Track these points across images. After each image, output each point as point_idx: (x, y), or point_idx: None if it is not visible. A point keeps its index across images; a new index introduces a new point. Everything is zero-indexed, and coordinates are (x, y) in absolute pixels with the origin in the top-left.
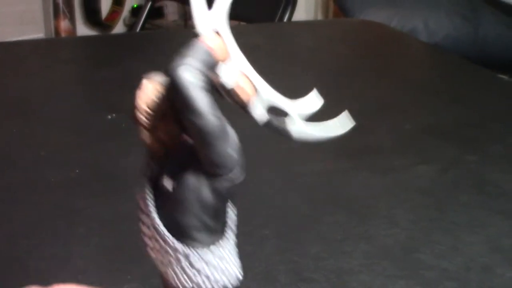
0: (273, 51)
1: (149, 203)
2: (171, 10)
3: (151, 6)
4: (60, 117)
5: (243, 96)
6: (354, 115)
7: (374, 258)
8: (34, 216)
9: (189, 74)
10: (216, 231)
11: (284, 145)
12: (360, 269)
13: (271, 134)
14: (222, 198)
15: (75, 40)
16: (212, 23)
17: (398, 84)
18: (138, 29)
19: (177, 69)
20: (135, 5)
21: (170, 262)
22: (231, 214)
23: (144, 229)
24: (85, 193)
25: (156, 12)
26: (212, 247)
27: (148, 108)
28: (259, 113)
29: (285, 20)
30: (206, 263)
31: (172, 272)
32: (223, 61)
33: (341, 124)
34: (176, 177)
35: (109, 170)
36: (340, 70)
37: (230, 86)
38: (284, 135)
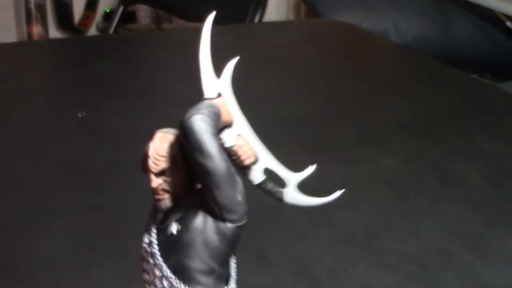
0: (243, 52)
1: (154, 248)
2: (143, 14)
3: (124, 10)
4: (31, 116)
5: (242, 157)
6: (319, 111)
7: (336, 244)
8: (7, 211)
9: (202, 120)
10: (222, 277)
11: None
12: (323, 253)
13: None
14: (228, 243)
15: (47, 43)
16: (219, 89)
17: (365, 81)
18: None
19: (191, 116)
20: (107, 10)
21: None
22: (232, 263)
23: (145, 276)
24: (56, 188)
25: (129, 17)
26: None
27: (159, 156)
28: (255, 175)
29: (256, 21)
30: None
31: None
32: (227, 123)
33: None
34: (182, 221)
35: (79, 166)
36: (309, 69)
37: (229, 145)
38: (275, 197)
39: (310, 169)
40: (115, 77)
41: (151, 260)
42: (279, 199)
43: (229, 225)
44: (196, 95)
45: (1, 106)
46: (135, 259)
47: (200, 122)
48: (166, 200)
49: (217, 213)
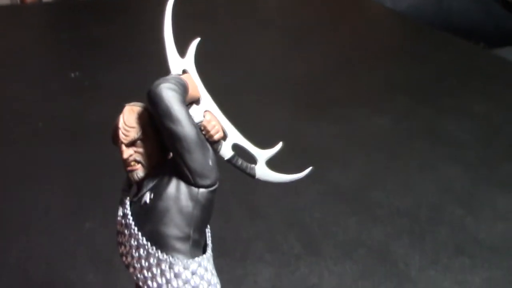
0: (237, 16)
1: (129, 219)
2: None
3: None
4: (25, 76)
5: (211, 131)
6: (313, 73)
7: (327, 197)
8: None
9: (169, 88)
10: (199, 244)
11: (240, 98)
12: (313, 206)
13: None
14: (202, 208)
15: (40, 6)
16: (184, 67)
17: (358, 45)
18: None
19: (159, 84)
20: None
21: (153, 274)
22: (207, 232)
23: (121, 248)
24: (49, 143)
25: None
26: (197, 258)
27: (129, 127)
28: (225, 151)
29: None
30: (192, 273)
31: (155, 284)
32: (194, 99)
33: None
34: (155, 190)
35: (72, 123)
36: (303, 32)
37: (197, 121)
38: (246, 173)
39: (278, 146)
40: (107, 39)
41: (126, 231)
42: (251, 175)
43: (201, 190)
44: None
45: None
46: None
47: (167, 90)
48: (138, 171)
49: (189, 178)
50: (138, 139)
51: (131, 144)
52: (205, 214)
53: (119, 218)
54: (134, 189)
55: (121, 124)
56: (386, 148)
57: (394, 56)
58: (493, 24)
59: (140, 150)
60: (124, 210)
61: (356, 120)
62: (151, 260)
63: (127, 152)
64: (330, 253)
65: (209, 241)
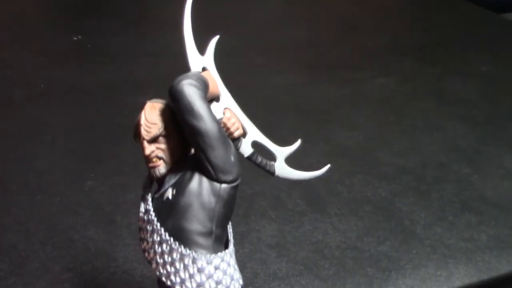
0: None
1: (151, 215)
2: None
3: None
4: (27, 38)
5: (231, 129)
6: (318, 35)
7: (332, 157)
8: (2, 127)
9: (191, 84)
10: (221, 239)
11: (245, 61)
12: (319, 166)
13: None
14: (224, 204)
15: None
16: (203, 64)
17: (364, 7)
18: None
19: (181, 81)
20: None
21: (176, 269)
22: (229, 227)
23: (143, 244)
24: (50, 105)
25: None
26: (220, 253)
27: (151, 123)
28: (244, 148)
29: None
30: (215, 267)
31: (179, 279)
32: (214, 96)
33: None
34: (177, 186)
35: (74, 85)
36: None
37: (217, 118)
38: (265, 170)
39: (297, 143)
40: (111, 3)
41: (148, 227)
42: (271, 172)
43: (224, 185)
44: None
45: None
46: (128, 170)
47: (189, 86)
48: (160, 167)
49: (212, 174)
50: (160, 135)
51: (153, 140)
52: (227, 209)
53: (141, 214)
54: (155, 185)
55: (143, 120)
56: (392, 109)
57: (398, 19)
58: None
59: (162, 146)
60: (146, 206)
61: (361, 82)
62: (174, 255)
63: (149, 149)
64: (334, 210)
65: (231, 236)
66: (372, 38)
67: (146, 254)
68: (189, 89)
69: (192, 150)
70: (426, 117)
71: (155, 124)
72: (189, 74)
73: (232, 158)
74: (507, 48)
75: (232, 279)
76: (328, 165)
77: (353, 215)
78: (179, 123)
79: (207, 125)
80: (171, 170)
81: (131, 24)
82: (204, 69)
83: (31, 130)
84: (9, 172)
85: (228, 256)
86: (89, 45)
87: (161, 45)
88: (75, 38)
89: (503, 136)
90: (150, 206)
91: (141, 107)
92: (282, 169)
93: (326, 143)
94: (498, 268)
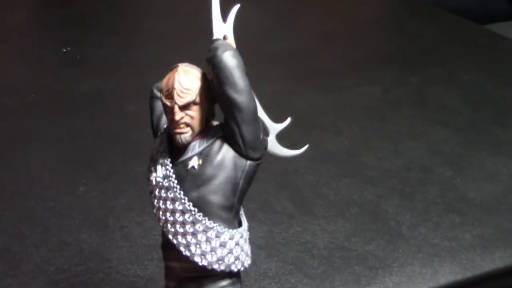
0: None
1: (173, 182)
2: None
3: None
4: (16, 50)
5: None
6: (303, 44)
7: (319, 162)
8: None
9: (234, 56)
10: (238, 214)
11: None
12: (305, 170)
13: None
14: (248, 179)
15: None
16: (225, 32)
17: (348, 18)
18: None
19: (224, 51)
20: None
21: (198, 241)
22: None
23: (159, 210)
24: (40, 114)
25: None
26: (240, 229)
27: (185, 89)
28: None
29: None
30: (236, 243)
31: (199, 251)
32: None
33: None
34: (203, 156)
35: (64, 95)
36: (293, 4)
37: None
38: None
39: (288, 120)
40: (98, 15)
41: (168, 194)
42: (265, 146)
43: (249, 162)
44: (176, 32)
45: None
46: (118, 175)
47: (233, 58)
48: (187, 134)
49: (242, 149)
50: (192, 102)
51: (185, 106)
52: (248, 185)
53: (158, 180)
54: (169, 150)
55: (176, 85)
56: (376, 116)
57: (383, 29)
58: (482, 4)
59: (192, 113)
60: (165, 171)
61: (346, 89)
62: (197, 226)
63: (179, 114)
64: (322, 213)
65: (242, 211)
66: (356, 48)
67: (162, 222)
68: (233, 61)
69: (214, 122)
70: (410, 123)
71: (189, 90)
72: (226, 43)
73: (261, 136)
74: (488, 57)
75: (246, 255)
76: (307, 145)
77: (340, 217)
78: (214, 93)
79: (247, 100)
80: (196, 138)
81: (119, 35)
82: (225, 37)
83: (23, 138)
84: (2, 178)
85: (245, 233)
86: (78, 56)
87: (148, 55)
88: (65, 50)
89: (484, 141)
90: (171, 172)
91: (171, 69)
92: (272, 144)
93: (312, 148)
94: (482, 266)
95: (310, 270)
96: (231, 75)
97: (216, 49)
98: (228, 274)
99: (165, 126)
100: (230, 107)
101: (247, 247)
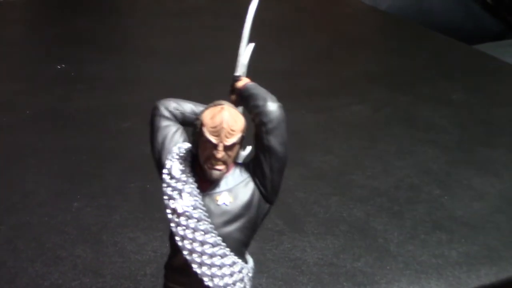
0: (217, 11)
1: (203, 213)
2: None
3: None
4: (11, 67)
5: None
6: (292, 64)
7: (309, 180)
8: None
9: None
10: (246, 252)
11: (223, 89)
12: (296, 188)
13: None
14: (261, 220)
15: (21, 2)
16: (243, 70)
17: (337, 38)
18: None
19: (277, 103)
20: None
21: (223, 274)
22: None
23: (184, 242)
24: (35, 130)
25: None
26: (251, 264)
27: (232, 130)
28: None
29: None
30: (250, 278)
31: (222, 283)
32: None
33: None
34: (232, 193)
35: (59, 112)
36: (282, 25)
37: None
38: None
39: (251, 45)
40: (94, 32)
41: (198, 225)
42: None
43: (267, 205)
44: (171, 50)
45: None
46: (112, 191)
47: (283, 111)
48: (223, 171)
49: (268, 194)
50: (236, 144)
51: (230, 146)
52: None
53: (185, 208)
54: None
55: (225, 124)
56: (366, 134)
57: (372, 49)
58: (472, 23)
59: (230, 153)
60: (194, 202)
61: (336, 108)
62: (225, 260)
63: (222, 153)
64: (312, 230)
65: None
66: (346, 67)
67: (187, 251)
68: (283, 114)
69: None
70: (399, 142)
71: (235, 131)
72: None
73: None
74: (476, 77)
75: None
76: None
77: (330, 234)
78: (255, 138)
79: (286, 152)
80: (226, 173)
81: (113, 53)
82: (240, 76)
83: (18, 154)
84: None
85: (252, 270)
86: (72, 73)
87: (142, 72)
88: (59, 67)
89: (472, 160)
90: (202, 205)
91: (214, 105)
92: None
93: (303, 166)
94: (468, 282)
95: (299, 286)
96: (280, 127)
97: (269, 98)
98: None
99: (181, 151)
100: (270, 155)
101: (249, 284)
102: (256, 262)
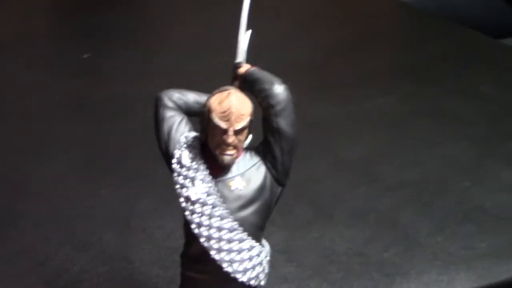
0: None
1: (217, 200)
2: None
3: None
4: (37, 57)
5: None
6: (317, 56)
7: (337, 170)
8: (16, 138)
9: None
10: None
11: None
12: (325, 177)
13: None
14: (275, 203)
15: None
16: (243, 57)
17: (363, 30)
18: None
19: (283, 84)
20: None
21: (242, 259)
22: None
23: (200, 229)
24: (63, 117)
25: None
26: (268, 247)
27: (242, 115)
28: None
29: None
30: (268, 261)
31: (241, 268)
32: None
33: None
34: (245, 177)
35: (85, 99)
36: (307, 18)
37: None
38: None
39: (249, 32)
40: (119, 22)
41: (214, 212)
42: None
43: (280, 188)
44: (190, 40)
45: (8, 47)
46: (139, 178)
47: (289, 92)
48: (234, 156)
49: (280, 176)
50: (245, 127)
51: (240, 130)
52: (273, 208)
53: (199, 195)
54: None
55: (234, 109)
56: (392, 127)
57: (398, 42)
58: (496, 17)
59: (240, 137)
60: (208, 188)
61: (362, 100)
62: (244, 245)
63: (232, 138)
64: (341, 219)
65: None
66: (372, 59)
67: (204, 238)
68: (290, 95)
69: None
70: (426, 134)
71: (244, 115)
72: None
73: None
74: (503, 69)
75: (265, 274)
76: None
77: (359, 224)
78: (264, 121)
79: (295, 133)
80: (237, 158)
81: (138, 42)
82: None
83: (47, 140)
84: (26, 178)
85: (270, 253)
86: (98, 63)
87: (166, 63)
88: (85, 56)
89: (501, 153)
90: (213, 190)
91: (219, 91)
92: None
93: (330, 157)
94: (498, 274)
95: (329, 275)
96: (288, 108)
97: (274, 80)
98: None
99: (188, 140)
100: (280, 137)
101: (267, 267)
102: (284, 250)
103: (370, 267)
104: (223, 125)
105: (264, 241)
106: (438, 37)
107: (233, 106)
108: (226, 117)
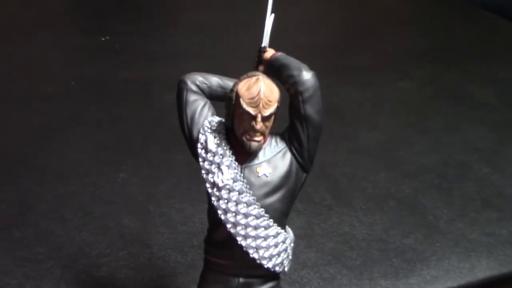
0: None
1: (244, 186)
2: None
3: None
4: (56, 39)
5: None
6: (337, 40)
7: (356, 155)
8: (33, 121)
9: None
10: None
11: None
12: (344, 163)
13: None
14: (299, 190)
15: None
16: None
17: (383, 14)
18: None
19: (312, 71)
20: None
21: (268, 245)
22: None
23: (227, 215)
24: (80, 100)
25: None
26: (291, 234)
27: (269, 101)
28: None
29: None
30: (292, 248)
31: (267, 254)
32: None
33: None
34: (271, 164)
35: (103, 83)
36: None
37: None
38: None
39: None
40: (137, 4)
41: (240, 198)
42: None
43: (305, 174)
44: (214, 23)
45: (27, 29)
46: (158, 162)
47: (317, 79)
48: (261, 142)
49: (305, 163)
50: (273, 114)
51: (267, 117)
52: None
53: (226, 181)
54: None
55: (263, 95)
56: (412, 111)
57: (418, 26)
58: None
59: (267, 124)
60: (234, 174)
61: (382, 85)
62: (269, 231)
63: (260, 124)
64: (360, 205)
65: None
66: (392, 44)
67: (230, 224)
68: (318, 82)
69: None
70: (446, 119)
71: (272, 102)
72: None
73: None
74: None
75: (289, 260)
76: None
77: (378, 210)
78: (290, 107)
79: (321, 120)
80: (263, 144)
81: (157, 25)
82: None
83: (64, 124)
84: (44, 162)
85: (294, 240)
86: (117, 45)
87: (185, 45)
88: (104, 39)
89: None
90: (239, 176)
91: (248, 77)
92: None
93: (349, 142)
94: None
95: (348, 261)
96: (316, 95)
97: (302, 67)
98: (277, 275)
99: (213, 125)
100: (307, 124)
101: (291, 254)
102: (304, 236)
103: (390, 253)
104: (251, 111)
105: (288, 228)
106: (459, 22)
107: (262, 92)
108: (254, 103)
